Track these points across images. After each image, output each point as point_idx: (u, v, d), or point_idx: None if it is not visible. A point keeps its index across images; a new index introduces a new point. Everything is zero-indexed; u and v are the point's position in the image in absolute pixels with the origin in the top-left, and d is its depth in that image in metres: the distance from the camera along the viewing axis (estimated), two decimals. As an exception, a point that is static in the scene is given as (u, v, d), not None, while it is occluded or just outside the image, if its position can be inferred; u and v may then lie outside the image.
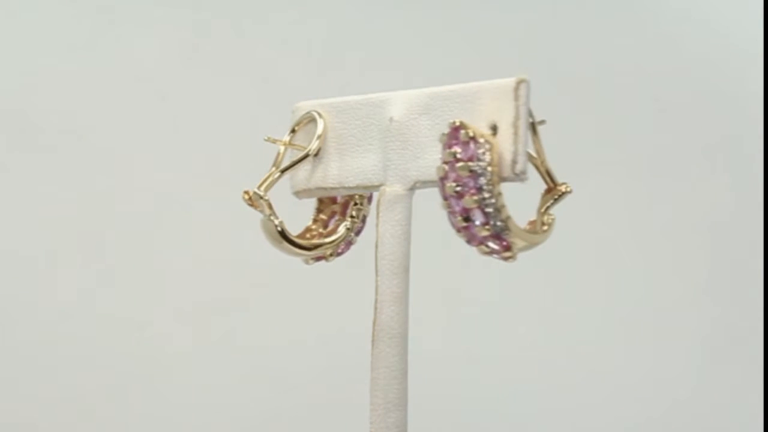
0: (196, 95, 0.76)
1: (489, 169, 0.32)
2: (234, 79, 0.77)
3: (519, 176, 0.33)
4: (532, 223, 0.36)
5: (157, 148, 0.75)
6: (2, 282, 0.72)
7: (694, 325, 0.80)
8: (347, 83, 0.75)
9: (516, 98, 0.33)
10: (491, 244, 0.33)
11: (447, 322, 0.78)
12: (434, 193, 0.37)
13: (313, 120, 0.38)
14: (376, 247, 0.36)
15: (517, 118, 0.33)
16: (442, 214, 0.37)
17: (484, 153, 0.33)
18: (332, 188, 0.38)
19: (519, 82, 0.33)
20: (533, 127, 0.34)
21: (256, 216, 0.38)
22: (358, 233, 0.39)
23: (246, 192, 0.37)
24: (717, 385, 0.79)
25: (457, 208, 0.33)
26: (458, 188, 0.33)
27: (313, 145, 0.37)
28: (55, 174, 0.73)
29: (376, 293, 0.35)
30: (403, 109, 0.36)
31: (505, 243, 0.33)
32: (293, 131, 0.38)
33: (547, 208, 0.35)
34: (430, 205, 0.38)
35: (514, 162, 0.33)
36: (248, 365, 0.76)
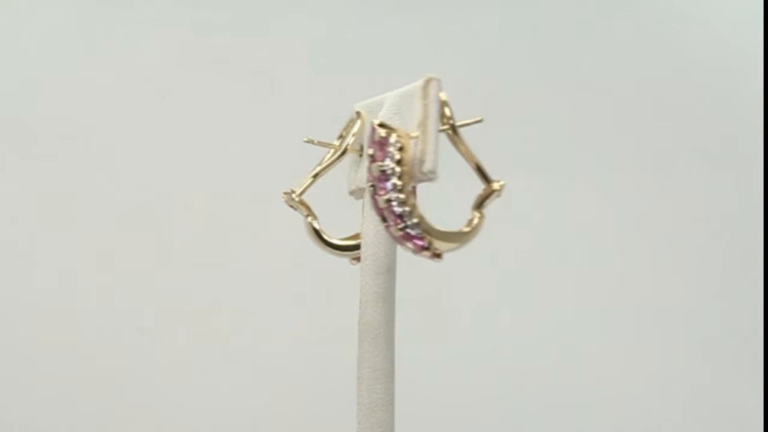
0: (195, 96, 0.75)
1: (399, 169, 0.32)
2: (234, 79, 0.76)
3: (427, 175, 0.32)
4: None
5: (157, 148, 0.74)
6: (2, 282, 0.73)
7: (694, 324, 0.78)
8: (347, 84, 0.69)
9: (424, 97, 0.33)
10: (408, 245, 0.33)
11: (445, 321, 0.77)
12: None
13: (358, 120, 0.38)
14: (361, 247, 0.36)
15: (425, 117, 0.33)
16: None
17: (394, 153, 0.33)
18: (361, 189, 0.38)
19: (427, 81, 0.33)
20: (453, 128, 0.33)
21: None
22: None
23: (285, 193, 0.38)
24: (717, 384, 0.78)
25: (375, 209, 0.33)
26: (371, 188, 0.33)
27: (343, 144, 0.37)
28: (54, 174, 0.73)
29: (360, 293, 0.36)
30: (384, 109, 0.36)
31: (421, 244, 0.33)
32: (343, 133, 0.38)
33: (477, 207, 0.34)
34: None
35: (422, 161, 0.32)
36: (248, 365, 0.75)
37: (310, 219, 0.37)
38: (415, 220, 0.33)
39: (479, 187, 0.34)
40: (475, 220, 0.33)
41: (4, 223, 0.72)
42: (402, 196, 0.32)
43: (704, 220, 0.79)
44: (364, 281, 0.36)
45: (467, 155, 0.33)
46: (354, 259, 0.39)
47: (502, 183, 0.33)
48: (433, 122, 0.33)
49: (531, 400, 0.77)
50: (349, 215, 0.40)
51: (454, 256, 0.41)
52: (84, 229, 0.73)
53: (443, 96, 0.33)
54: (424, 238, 0.33)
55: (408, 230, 0.33)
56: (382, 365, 0.36)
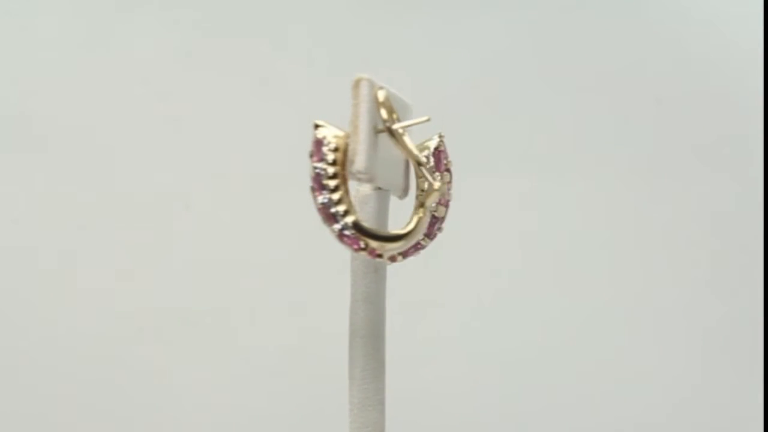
0: (195, 96, 0.74)
1: (332, 170, 0.33)
2: (234, 79, 0.74)
3: (356, 176, 0.32)
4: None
5: (156, 148, 0.74)
6: (2, 282, 0.73)
7: (694, 324, 0.78)
8: (347, 84, 0.66)
9: (354, 97, 0.33)
10: (346, 245, 0.33)
11: (442, 321, 0.76)
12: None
13: None
14: (351, 247, 0.37)
15: (355, 117, 0.33)
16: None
17: (327, 153, 0.33)
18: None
19: (357, 81, 0.33)
20: (389, 130, 0.33)
21: (256, 216, 0.41)
22: (428, 236, 0.38)
23: None
24: (717, 384, 0.78)
25: (316, 209, 0.34)
26: (311, 188, 0.33)
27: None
28: (54, 174, 0.73)
29: (350, 293, 0.36)
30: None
31: (357, 245, 0.33)
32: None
33: (419, 206, 0.33)
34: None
35: (352, 161, 0.33)
36: (248, 365, 0.75)
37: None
38: (348, 221, 0.33)
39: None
40: (415, 220, 0.32)
41: (4, 223, 0.73)
42: (335, 196, 0.33)
43: (704, 219, 0.79)
44: (354, 281, 0.36)
45: (409, 155, 0.33)
46: (389, 258, 0.39)
47: (440, 183, 0.32)
48: (363, 123, 0.33)
49: (528, 400, 0.77)
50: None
51: (453, 257, 0.40)
52: (83, 229, 0.73)
53: (381, 97, 0.33)
54: (359, 240, 0.33)
55: (343, 231, 0.33)
56: (371, 365, 0.36)
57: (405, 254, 0.38)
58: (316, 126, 0.33)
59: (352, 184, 0.35)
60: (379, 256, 0.33)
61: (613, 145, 0.78)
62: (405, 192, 0.38)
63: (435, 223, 0.37)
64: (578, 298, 0.78)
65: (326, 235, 0.34)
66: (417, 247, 0.38)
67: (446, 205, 0.38)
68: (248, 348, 0.75)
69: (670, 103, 0.78)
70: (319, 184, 0.33)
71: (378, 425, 0.36)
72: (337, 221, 0.33)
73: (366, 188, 0.36)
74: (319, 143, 0.33)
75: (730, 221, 0.79)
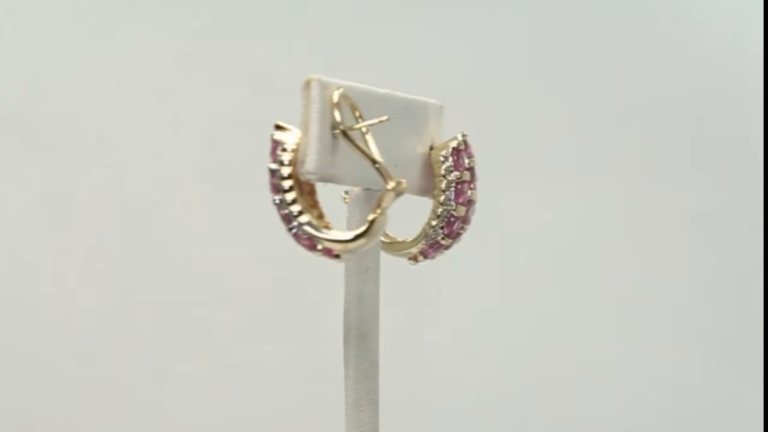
0: (195, 96, 0.73)
1: (284, 170, 0.33)
2: (233, 79, 0.73)
3: (305, 176, 0.33)
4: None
5: (157, 148, 0.73)
6: (2, 282, 0.72)
7: (694, 324, 0.78)
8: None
9: (303, 98, 0.33)
10: (301, 246, 0.33)
11: (440, 320, 0.76)
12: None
13: None
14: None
15: (305, 117, 0.33)
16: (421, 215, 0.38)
17: (281, 154, 0.33)
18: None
19: (306, 82, 0.33)
20: (343, 132, 0.33)
21: (256, 216, 0.42)
22: (448, 236, 0.38)
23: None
24: (717, 385, 0.78)
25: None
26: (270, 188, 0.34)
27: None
28: (53, 174, 0.72)
29: (344, 293, 0.36)
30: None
31: (311, 246, 0.33)
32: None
33: (376, 207, 0.32)
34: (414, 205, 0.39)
35: (302, 162, 0.33)
36: (245, 364, 0.74)
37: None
38: (302, 222, 0.33)
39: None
40: (370, 220, 0.32)
41: (4, 223, 0.72)
42: (289, 197, 0.33)
43: (705, 219, 0.78)
44: (347, 281, 0.36)
45: (365, 156, 0.33)
46: (410, 258, 0.39)
47: (394, 184, 0.32)
48: (313, 123, 0.33)
49: (526, 401, 0.77)
50: (410, 214, 0.40)
51: (452, 256, 0.40)
52: (83, 229, 0.73)
53: (335, 97, 0.33)
54: (312, 240, 0.33)
55: (297, 232, 0.33)
56: (364, 364, 0.36)
57: (425, 254, 0.38)
58: (277, 127, 0.34)
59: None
60: (337, 256, 0.33)
61: (610, 145, 0.78)
62: (425, 191, 0.38)
63: (453, 222, 0.37)
64: (577, 298, 0.78)
65: None
66: (436, 247, 0.38)
67: (465, 204, 0.37)
68: (248, 348, 0.75)
69: (670, 103, 0.78)
70: (273, 184, 0.33)
71: (370, 425, 0.36)
72: (291, 221, 0.33)
73: (357, 189, 0.36)
74: (275, 144, 0.33)
75: (731, 221, 0.78)
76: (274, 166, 0.33)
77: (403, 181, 0.32)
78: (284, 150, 0.33)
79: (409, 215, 0.39)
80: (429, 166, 0.37)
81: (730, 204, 0.78)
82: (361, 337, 0.36)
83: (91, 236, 0.73)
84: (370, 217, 0.32)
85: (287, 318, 0.75)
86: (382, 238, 0.39)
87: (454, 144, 0.37)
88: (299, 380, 0.74)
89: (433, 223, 0.37)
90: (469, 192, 0.37)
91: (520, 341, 0.77)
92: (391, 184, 0.32)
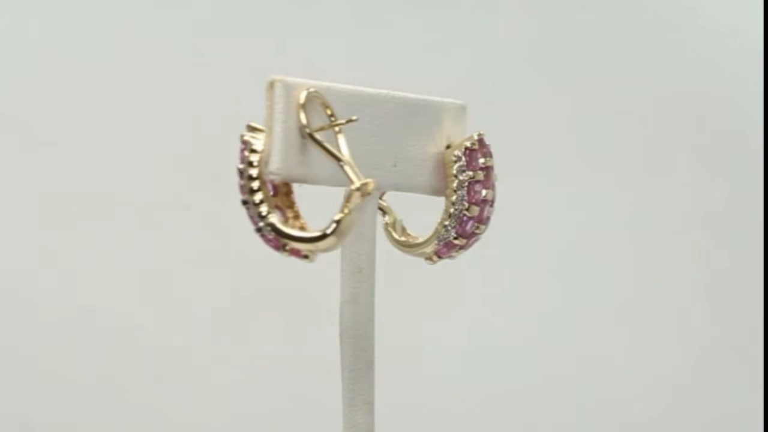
0: (195, 96, 0.73)
1: (252, 171, 0.33)
2: (233, 79, 0.73)
3: (268, 176, 0.33)
4: None
5: (157, 147, 0.73)
6: (2, 281, 0.72)
7: (694, 324, 0.78)
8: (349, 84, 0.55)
9: (267, 99, 0.33)
10: (268, 246, 0.33)
11: (440, 320, 0.76)
12: (410, 196, 0.38)
13: None
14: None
15: (268, 118, 0.33)
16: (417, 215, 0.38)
17: (248, 155, 0.34)
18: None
19: (270, 84, 0.33)
20: (310, 135, 0.33)
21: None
22: (461, 236, 0.38)
23: None
24: (717, 385, 0.78)
25: None
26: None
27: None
28: (52, 174, 0.72)
29: (340, 293, 0.37)
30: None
31: (278, 246, 0.33)
32: None
33: (342, 207, 0.32)
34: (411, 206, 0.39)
35: (265, 163, 0.33)
36: (249, 365, 0.74)
37: (386, 218, 0.39)
38: (267, 222, 0.33)
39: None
40: (337, 219, 0.32)
41: (3, 223, 0.72)
42: (256, 197, 0.33)
43: (705, 219, 0.78)
44: (342, 281, 0.37)
45: (330, 155, 0.33)
46: (427, 258, 0.39)
47: (358, 184, 0.32)
48: (276, 124, 0.33)
49: (525, 401, 0.77)
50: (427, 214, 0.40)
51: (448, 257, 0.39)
52: (82, 229, 0.73)
53: (301, 99, 0.33)
54: (279, 241, 0.33)
55: (263, 232, 0.33)
56: (357, 365, 0.36)
57: (440, 254, 0.38)
58: (249, 128, 0.34)
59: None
60: (306, 257, 0.33)
61: (610, 145, 0.78)
62: (438, 191, 0.38)
63: (466, 222, 0.37)
64: (577, 298, 0.78)
65: None
66: (450, 247, 0.38)
67: (478, 204, 0.37)
68: (248, 348, 0.75)
69: (670, 103, 0.78)
70: (241, 185, 0.34)
71: (364, 425, 0.36)
72: (257, 222, 0.33)
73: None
74: (243, 145, 0.34)
75: (731, 221, 0.78)
76: (241, 166, 0.33)
77: (370, 181, 0.32)
78: (253, 151, 0.33)
79: (429, 215, 0.39)
80: (443, 165, 0.37)
81: (730, 204, 0.78)
82: (355, 338, 0.36)
83: (91, 236, 0.73)
84: (337, 216, 0.32)
85: (287, 318, 0.75)
86: (397, 237, 0.39)
87: (467, 143, 0.37)
88: (299, 380, 0.75)
89: (446, 222, 0.37)
90: (484, 192, 0.37)
91: (520, 341, 0.77)
92: (355, 184, 0.32)
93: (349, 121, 0.34)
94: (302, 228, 0.34)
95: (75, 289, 0.73)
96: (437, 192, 0.37)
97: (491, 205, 0.37)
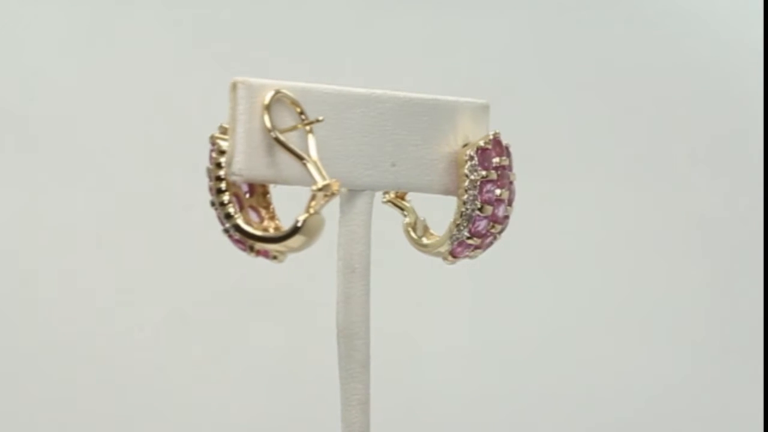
0: (195, 96, 0.73)
1: (218, 172, 0.34)
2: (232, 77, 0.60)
3: (231, 177, 0.33)
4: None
5: (156, 147, 0.73)
6: (1, 281, 0.72)
7: (694, 324, 0.78)
8: (347, 83, 0.53)
9: (230, 100, 0.34)
10: (235, 246, 0.34)
11: (439, 320, 0.77)
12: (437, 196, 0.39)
13: None
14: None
15: (231, 120, 0.34)
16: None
17: (217, 157, 0.34)
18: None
19: (232, 85, 0.34)
20: (276, 139, 0.33)
21: None
22: (474, 236, 0.37)
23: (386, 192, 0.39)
24: (718, 385, 0.78)
25: None
26: None
27: None
28: (52, 173, 0.72)
29: (336, 293, 0.37)
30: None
31: (244, 247, 0.33)
32: None
33: (306, 207, 0.32)
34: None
35: (228, 164, 0.33)
36: (249, 365, 0.75)
37: (407, 219, 0.39)
38: (232, 223, 0.33)
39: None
40: (301, 219, 0.32)
41: (3, 223, 0.73)
42: (224, 198, 0.34)
43: (705, 219, 0.78)
44: (337, 281, 0.37)
45: (293, 155, 0.33)
46: (444, 258, 0.39)
47: (321, 184, 0.32)
48: (239, 125, 0.33)
49: (524, 401, 0.77)
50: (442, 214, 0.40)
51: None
52: (82, 229, 0.73)
53: (266, 100, 0.33)
54: (245, 243, 0.33)
55: (229, 232, 0.34)
56: (350, 365, 0.36)
57: (454, 254, 0.38)
58: (221, 129, 0.34)
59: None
60: (275, 257, 0.33)
61: (609, 145, 0.78)
62: (450, 191, 0.37)
63: (478, 222, 0.37)
64: (575, 298, 0.77)
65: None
66: (465, 247, 0.38)
67: (491, 203, 0.37)
68: (248, 348, 0.75)
69: (669, 103, 0.78)
70: (209, 185, 0.34)
71: (358, 425, 0.36)
72: (224, 223, 0.34)
73: (343, 190, 0.36)
74: (212, 145, 0.34)
75: (731, 221, 0.78)
76: (210, 167, 0.34)
77: (334, 182, 0.32)
78: (221, 152, 0.34)
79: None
80: (456, 165, 0.37)
81: (731, 204, 0.78)
82: (348, 338, 0.36)
83: (91, 236, 0.73)
84: (301, 217, 0.32)
85: (287, 318, 0.75)
86: (415, 238, 0.39)
87: (481, 142, 0.37)
88: (300, 380, 0.75)
89: (458, 222, 0.37)
90: (498, 191, 0.36)
91: (519, 341, 0.77)
92: (318, 184, 0.32)
93: (316, 121, 0.33)
94: (277, 229, 0.34)
95: (75, 289, 0.73)
96: (449, 192, 0.37)
97: (509, 205, 0.37)
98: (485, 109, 0.38)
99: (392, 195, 0.39)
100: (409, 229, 0.39)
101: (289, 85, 0.34)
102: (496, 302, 0.78)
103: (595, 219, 0.78)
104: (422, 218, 0.39)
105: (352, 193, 0.36)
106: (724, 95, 0.78)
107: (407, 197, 0.39)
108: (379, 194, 0.38)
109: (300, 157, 0.33)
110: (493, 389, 0.77)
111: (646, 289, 0.78)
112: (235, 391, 0.75)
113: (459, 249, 0.37)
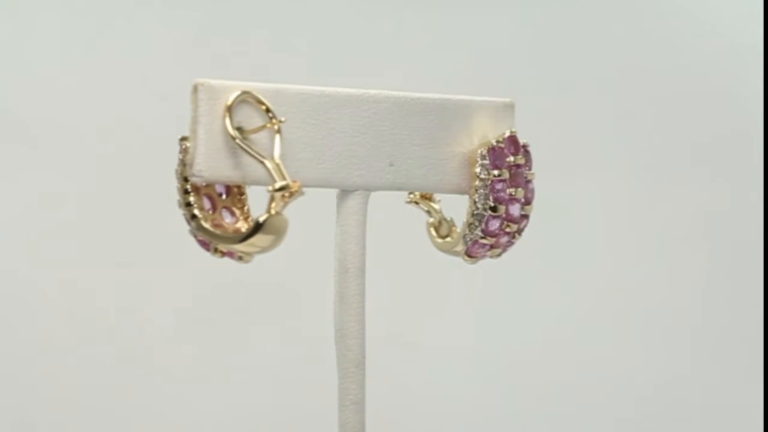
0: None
1: (183, 173, 0.34)
2: (232, 79, 0.62)
3: (192, 178, 0.33)
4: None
5: (156, 147, 0.64)
6: (1, 282, 0.72)
7: (694, 324, 0.78)
8: (347, 83, 0.51)
9: (191, 102, 0.33)
10: (200, 246, 0.34)
11: (439, 320, 0.77)
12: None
13: None
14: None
15: (192, 121, 0.33)
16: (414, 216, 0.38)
17: (183, 157, 0.34)
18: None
19: (194, 87, 0.33)
20: (230, 135, 0.33)
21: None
22: (488, 235, 0.37)
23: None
24: (718, 385, 0.78)
25: None
26: None
27: None
28: (51, 173, 0.72)
29: (333, 294, 0.37)
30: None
31: (208, 248, 0.33)
32: None
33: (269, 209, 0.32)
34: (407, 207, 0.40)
35: (189, 165, 0.33)
36: (250, 365, 0.75)
37: (431, 219, 0.39)
38: (198, 224, 0.33)
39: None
40: (262, 219, 0.32)
41: (3, 223, 0.73)
42: (190, 199, 0.34)
43: (705, 219, 0.78)
44: (334, 282, 0.37)
45: (253, 156, 0.33)
46: (463, 258, 0.39)
47: (278, 185, 0.32)
48: (199, 127, 0.33)
49: (524, 401, 0.77)
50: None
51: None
52: (81, 229, 0.73)
53: (228, 101, 0.33)
54: (209, 243, 0.33)
55: (195, 234, 0.33)
56: (345, 364, 0.36)
57: (470, 254, 0.38)
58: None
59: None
60: (240, 258, 0.33)
61: (610, 146, 0.78)
62: (463, 190, 0.37)
63: (492, 221, 0.36)
64: (574, 298, 0.78)
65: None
66: (480, 246, 0.37)
67: (503, 202, 0.36)
68: (248, 347, 0.75)
69: (669, 103, 0.78)
70: (176, 186, 0.34)
71: (352, 425, 0.36)
72: (189, 224, 0.33)
73: (336, 191, 0.36)
74: (180, 146, 0.34)
75: (731, 221, 0.78)
76: (178, 168, 0.34)
77: (294, 182, 0.32)
78: (184, 153, 0.34)
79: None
80: (465, 164, 0.37)
81: (731, 204, 0.78)
82: (343, 337, 0.36)
83: (91, 236, 0.73)
84: (261, 218, 0.32)
85: (287, 318, 0.75)
86: (435, 238, 0.39)
87: (493, 141, 0.36)
88: (299, 380, 0.75)
89: (470, 222, 0.37)
90: (511, 190, 0.36)
91: (519, 341, 0.77)
92: (276, 184, 0.32)
93: (279, 122, 0.33)
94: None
95: (75, 289, 0.73)
96: (462, 191, 0.37)
97: (527, 204, 0.37)
98: (508, 107, 0.38)
99: (417, 195, 0.38)
100: (431, 229, 0.39)
101: (260, 87, 0.34)
102: (495, 302, 0.78)
103: (595, 218, 0.78)
104: (449, 218, 0.39)
105: (345, 193, 0.36)
106: (725, 95, 0.79)
107: (435, 198, 0.39)
108: (403, 195, 0.38)
109: (258, 157, 0.33)
110: (493, 389, 0.77)
111: (647, 289, 0.78)
112: (233, 391, 0.75)
113: (474, 249, 0.37)
